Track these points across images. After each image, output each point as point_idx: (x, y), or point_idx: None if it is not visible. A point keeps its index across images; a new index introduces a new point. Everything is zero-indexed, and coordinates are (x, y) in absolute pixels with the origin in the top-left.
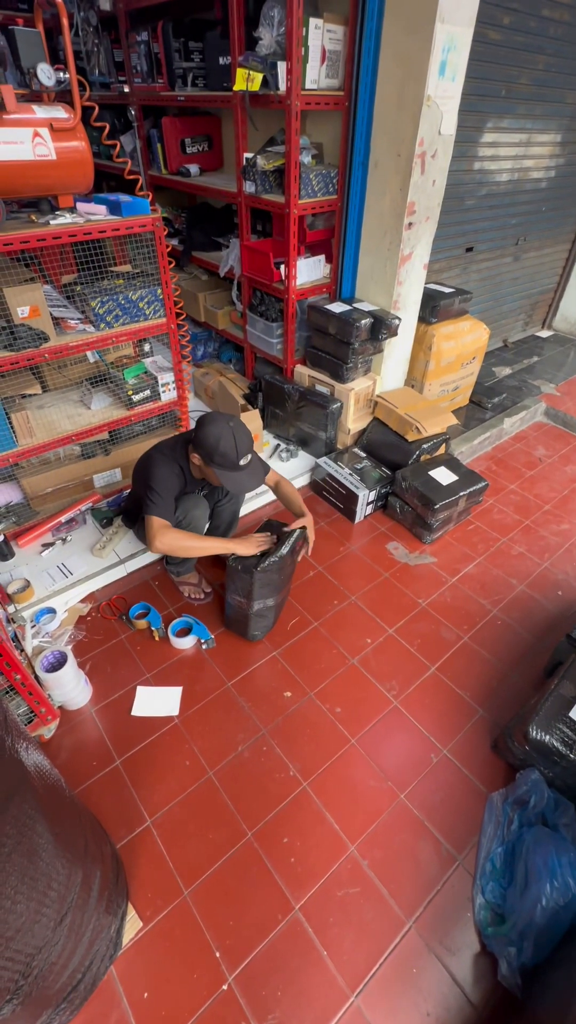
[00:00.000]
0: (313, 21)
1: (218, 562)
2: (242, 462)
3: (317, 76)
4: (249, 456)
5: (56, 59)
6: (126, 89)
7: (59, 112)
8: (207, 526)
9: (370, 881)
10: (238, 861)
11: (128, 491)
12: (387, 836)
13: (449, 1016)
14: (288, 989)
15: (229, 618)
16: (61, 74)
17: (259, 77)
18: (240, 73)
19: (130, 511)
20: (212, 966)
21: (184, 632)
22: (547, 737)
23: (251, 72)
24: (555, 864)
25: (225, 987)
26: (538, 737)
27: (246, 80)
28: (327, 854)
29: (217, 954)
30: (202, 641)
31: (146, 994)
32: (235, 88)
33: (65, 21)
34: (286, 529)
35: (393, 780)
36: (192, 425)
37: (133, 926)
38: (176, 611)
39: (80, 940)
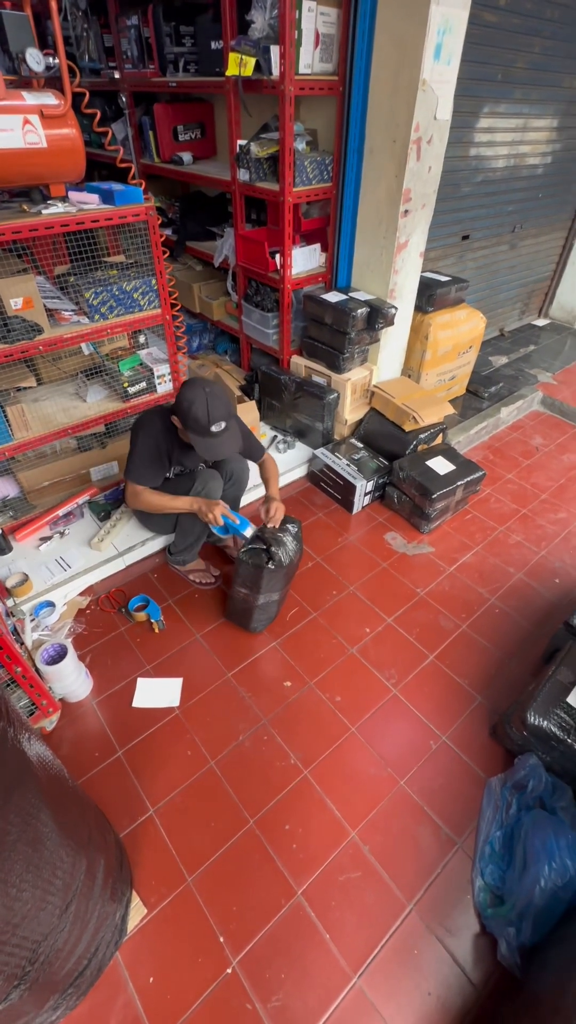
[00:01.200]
0: (306, 3)
1: (221, 551)
2: (214, 428)
3: (311, 60)
4: (223, 423)
5: (45, 44)
6: (116, 75)
7: (49, 98)
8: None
9: (371, 865)
10: (240, 848)
11: None
12: (387, 821)
13: (450, 995)
14: (291, 972)
15: (231, 610)
16: (50, 59)
17: (252, 62)
18: (232, 58)
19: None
20: (216, 951)
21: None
22: (545, 722)
23: (244, 57)
24: (553, 846)
25: (229, 971)
26: (536, 723)
27: (239, 65)
28: (328, 840)
29: (221, 939)
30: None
31: (151, 979)
32: (227, 73)
33: (54, 4)
34: (281, 526)
35: (393, 767)
36: None
37: (138, 913)
38: (175, 603)
39: (85, 927)
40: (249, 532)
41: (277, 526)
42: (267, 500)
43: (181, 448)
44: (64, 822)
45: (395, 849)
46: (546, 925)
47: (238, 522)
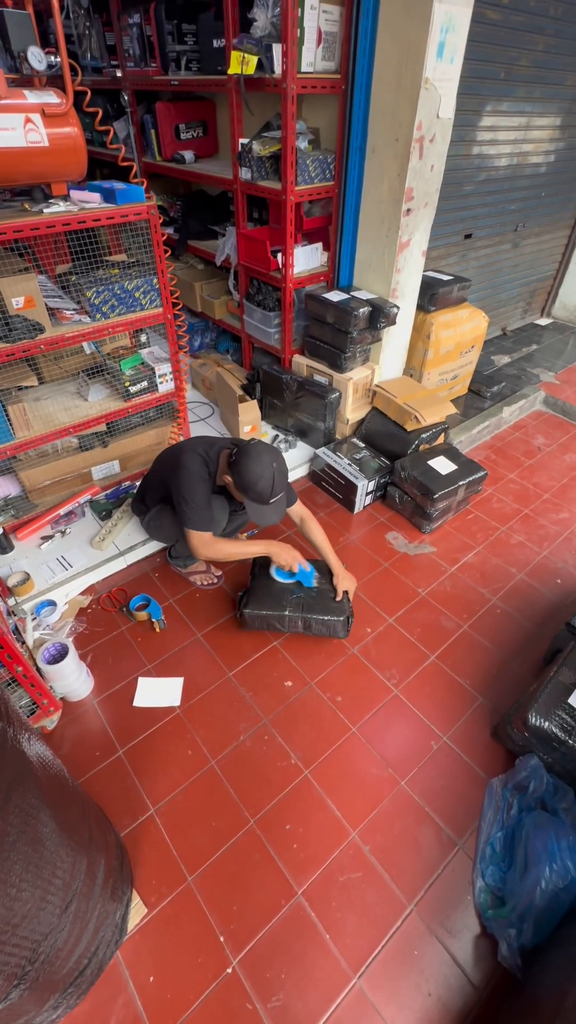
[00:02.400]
0: (309, 1)
1: None
2: (272, 500)
3: (313, 59)
4: (280, 495)
5: (47, 42)
6: (119, 73)
7: (51, 97)
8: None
9: (372, 866)
10: (241, 848)
11: (139, 481)
12: (388, 822)
13: (450, 996)
14: (292, 972)
15: (248, 617)
16: (52, 58)
17: (254, 60)
18: (235, 56)
19: (143, 499)
20: (216, 950)
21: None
22: (546, 723)
23: (246, 55)
24: (554, 848)
25: (229, 970)
26: (537, 723)
27: (241, 63)
28: (329, 840)
29: (221, 938)
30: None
31: (152, 978)
32: (229, 72)
33: (55, 2)
34: (329, 585)
35: (394, 767)
36: (189, 417)
37: (138, 912)
38: (176, 603)
39: (86, 926)
40: (316, 583)
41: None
42: (339, 579)
43: (214, 492)
44: (64, 822)
45: (396, 849)
46: (547, 927)
47: (309, 570)
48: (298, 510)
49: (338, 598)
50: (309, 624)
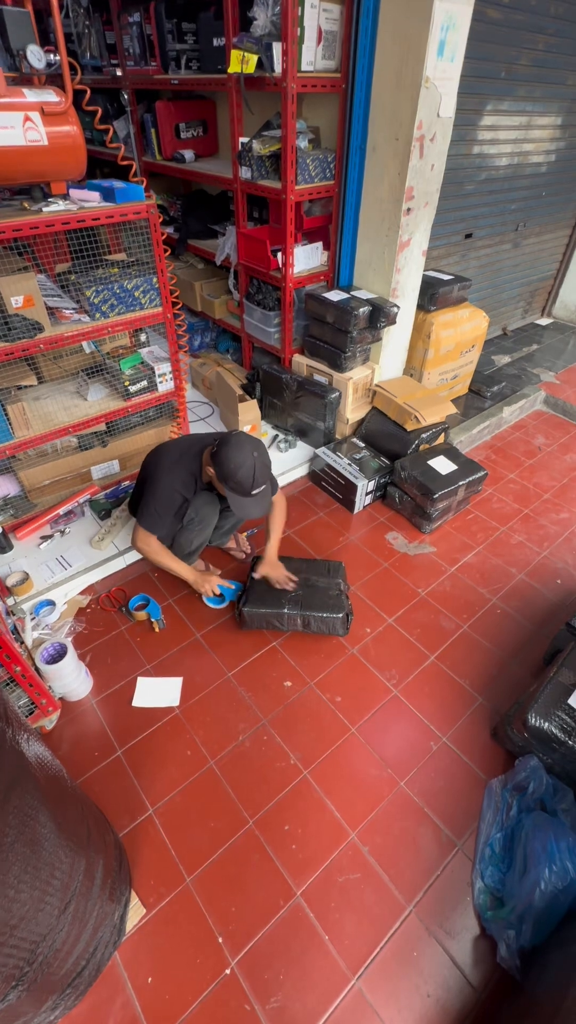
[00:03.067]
0: (309, 0)
1: (223, 552)
2: (254, 492)
3: (313, 57)
4: (263, 486)
5: (46, 41)
6: (119, 72)
7: (50, 96)
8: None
9: (371, 867)
10: (240, 848)
11: (135, 482)
12: (387, 823)
13: (449, 997)
14: (290, 973)
15: (247, 615)
16: (51, 56)
17: (254, 59)
18: (235, 55)
19: (137, 502)
20: (215, 951)
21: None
22: (546, 724)
23: (246, 54)
24: (554, 848)
25: (228, 971)
26: (537, 724)
27: (241, 62)
28: (328, 841)
29: (220, 939)
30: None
31: (150, 979)
32: (229, 70)
33: (55, 1)
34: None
35: (393, 768)
36: (189, 416)
37: (136, 913)
38: (175, 602)
39: (84, 927)
40: (234, 594)
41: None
42: (267, 562)
43: (198, 491)
44: (63, 822)
45: (395, 850)
46: (546, 928)
47: (233, 588)
48: (276, 497)
49: (256, 575)
50: (308, 621)
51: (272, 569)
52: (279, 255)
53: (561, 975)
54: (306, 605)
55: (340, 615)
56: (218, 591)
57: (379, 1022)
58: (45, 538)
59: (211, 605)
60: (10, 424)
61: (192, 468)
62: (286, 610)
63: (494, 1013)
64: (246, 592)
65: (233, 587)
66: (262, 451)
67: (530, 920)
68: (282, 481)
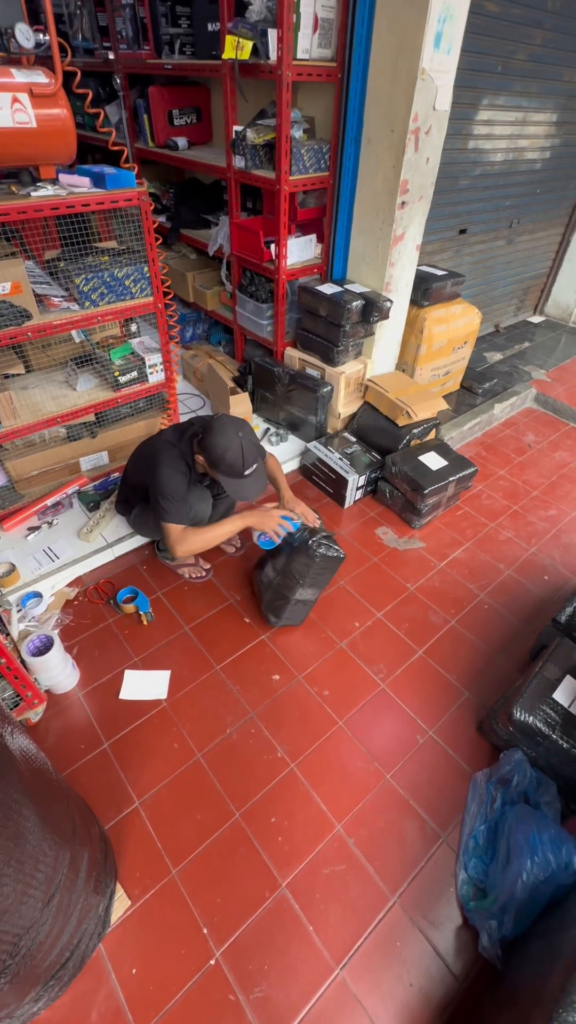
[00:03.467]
0: None
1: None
2: (247, 472)
3: (309, 45)
4: (255, 465)
5: (36, 21)
6: (111, 56)
7: (39, 76)
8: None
9: (356, 858)
10: (226, 841)
11: (121, 476)
12: (373, 815)
13: (432, 986)
14: (274, 963)
15: (268, 602)
16: (41, 36)
17: (249, 45)
18: (229, 40)
19: (126, 499)
20: (199, 942)
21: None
22: (531, 718)
23: (241, 40)
24: (536, 840)
25: (212, 962)
26: (522, 718)
27: (235, 48)
28: (314, 833)
29: (204, 931)
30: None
31: (134, 970)
32: (224, 56)
33: None
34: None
35: (380, 761)
36: (179, 408)
37: (121, 905)
38: (164, 595)
39: (68, 920)
40: (299, 525)
41: (317, 523)
42: (287, 502)
43: (193, 482)
44: (47, 815)
45: (380, 842)
46: (527, 918)
47: (298, 519)
48: (266, 458)
49: (293, 517)
50: (310, 556)
51: (296, 505)
52: (272, 247)
53: (541, 964)
54: (293, 556)
55: (343, 556)
56: (282, 532)
57: (362, 1011)
58: (32, 529)
59: (264, 548)
60: None
61: (185, 456)
62: (291, 583)
63: (475, 1002)
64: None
65: (298, 519)
66: (247, 430)
67: (512, 911)
68: None
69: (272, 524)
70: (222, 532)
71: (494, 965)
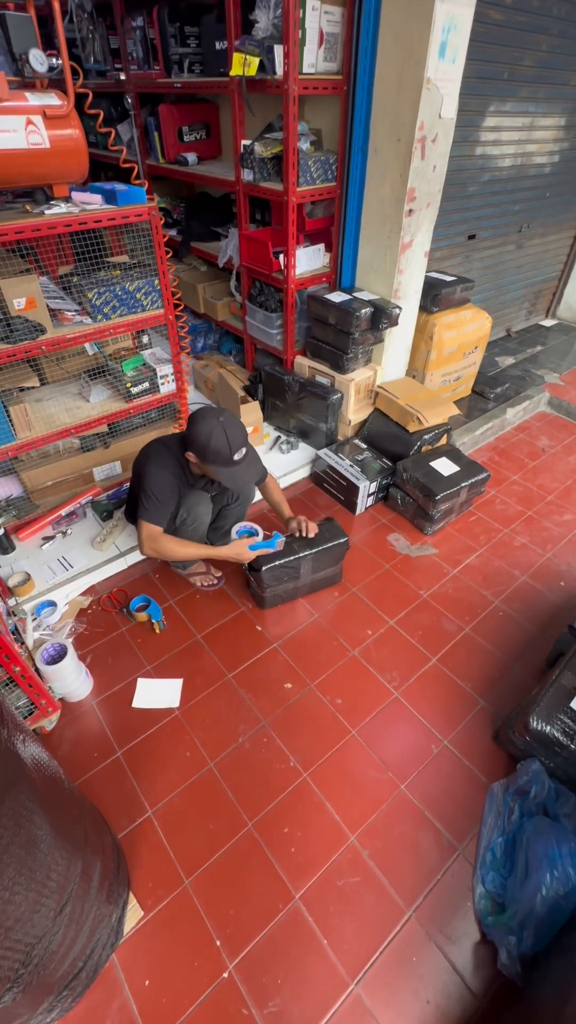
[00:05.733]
0: (310, 2)
1: None
2: (236, 456)
3: (315, 60)
4: (244, 450)
5: (50, 46)
6: (122, 76)
7: (52, 99)
8: (209, 523)
9: (370, 870)
10: (239, 851)
11: (128, 485)
12: (387, 826)
13: (449, 1003)
14: (289, 977)
15: (265, 576)
16: (54, 60)
17: (255, 61)
18: (236, 58)
19: (133, 507)
20: (213, 954)
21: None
22: (548, 728)
23: (247, 56)
24: (556, 854)
25: (226, 975)
26: (539, 728)
27: (243, 65)
28: (327, 844)
29: (218, 942)
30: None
31: (147, 981)
32: (231, 73)
33: (57, 6)
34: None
35: (394, 771)
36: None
37: (134, 915)
38: (176, 604)
39: (81, 929)
40: (281, 544)
41: (315, 532)
42: (292, 520)
43: (190, 484)
44: (59, 824)
45: (395, 854)
46: (548, 934)
47: (269, 541)
48: (266, 481)
49: (295, 530)
50: (320, 556)
51: (298, 521)
52: (281, 257)
53: (563, 983)
54: (312, 544)
55: (344, 539)
56: (253, 556)
57: None
58: (47, 539)
59: (253, 549)
60: (12, 425)
61: (178, 456)
62: (301, 554)
63: (495, 1021)
64: (256, 561)
65: (265, 541)
66: (228, 415)
67: (531, 926)
68: (284, 482)
69: (248, 558)
70: (195, 552)
71: (514, 982)
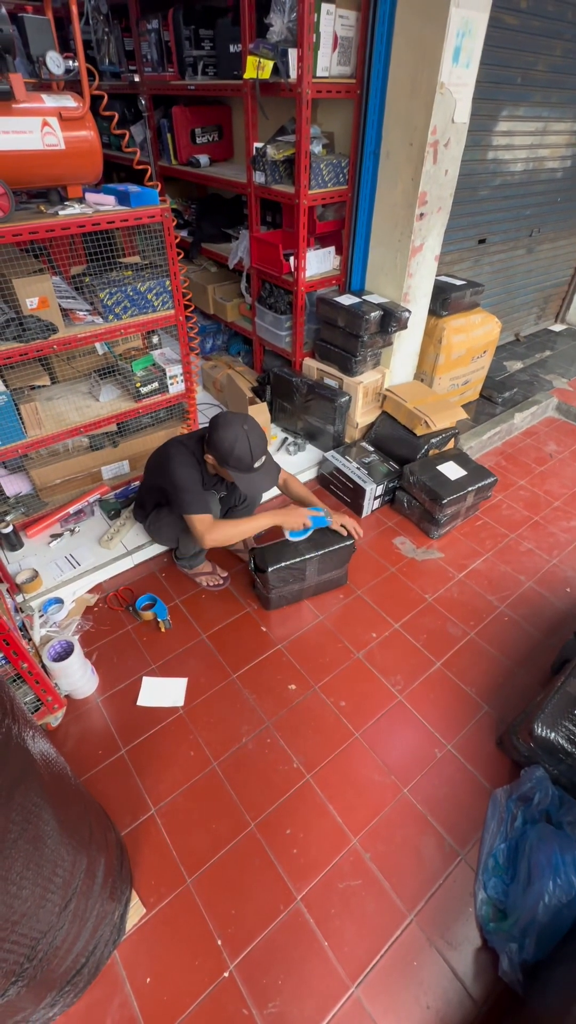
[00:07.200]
0: (325, 6)
1: (229, 553)
2: (256, 464)
3: (328, 63)
4: (264, 458)
5: (66, 48)
6: (136, 78)
7: (68, 101)
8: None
9: (372, 874)
10: (241, 851)
11: (139, 483)
12: (390, 830)
13: (449, 1010)
14: (289, 978)
15: (271, 576)
16: (70, 62)
17: (269, 65)
18: (250, 61)
19: (142, 504)
20: (214, 953)
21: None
22: (553, 734)
23: (261, 60)
24: (559, 861)
25: (226, 974)
26: (544, 734)
27: (256, 68)
28: (329, 846)
29: (219, 942)
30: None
31: (148, 979)
32: (245, 76)
33: (75, 8)
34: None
35: (397, 774)
36: (199, 418)
37: (136, 912)
38: (182, 603)
39: (84, 925)
40: (335, 523)
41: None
42: (330, 515)
43: (204, 484)
44: (65, 820)
45: (397, 858)
46: (550, 942)
47: (321, 519)
48: (282, 475)
49: (339, 528)
50: (326, 559)
51: (341, 517)
52: (291, 259)
53: (565, 992)
54: (319, 545)
55: (350, 542)
56: (310, 523)
57: None
58: (55, 536)
59: (294, 539)
60: (23, 423)
61: (197, 455)
62: (307, 556)
63: None
64: (262, 557)
65: (321, 513)
66: (252, 423)
67: (533, 934)
68: None
69: (300, 521)
70: (252, 527)
71: (515, 990)
